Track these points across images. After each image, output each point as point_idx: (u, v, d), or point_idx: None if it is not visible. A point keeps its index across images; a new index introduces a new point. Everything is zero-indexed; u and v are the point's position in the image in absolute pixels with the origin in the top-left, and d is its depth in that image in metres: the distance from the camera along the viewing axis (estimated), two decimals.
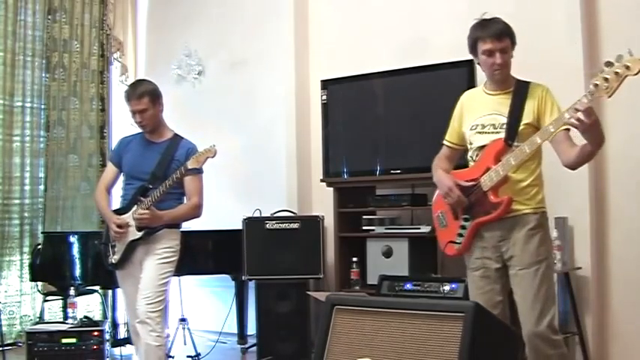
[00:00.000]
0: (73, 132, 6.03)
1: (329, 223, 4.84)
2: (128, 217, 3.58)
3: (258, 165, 5.73)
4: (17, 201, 5.66)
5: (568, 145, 2.77)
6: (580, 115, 2.49)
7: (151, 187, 3.53)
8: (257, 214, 4.95)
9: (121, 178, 3.83)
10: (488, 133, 2.91)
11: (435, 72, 4.52)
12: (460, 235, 2.97)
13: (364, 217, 4.70)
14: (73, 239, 4.82)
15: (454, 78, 4.41)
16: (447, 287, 3.60)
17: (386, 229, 4.61)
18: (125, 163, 3.72)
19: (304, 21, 5.55)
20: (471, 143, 3.00)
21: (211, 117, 5.91)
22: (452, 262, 4.24)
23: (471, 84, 4.32)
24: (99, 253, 3.83)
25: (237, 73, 5.87)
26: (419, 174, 4.45)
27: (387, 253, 4.50)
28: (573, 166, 2.82)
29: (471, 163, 3.00)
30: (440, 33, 4.83)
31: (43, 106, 5.86)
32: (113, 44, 6.33)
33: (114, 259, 3.62)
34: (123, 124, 6.54)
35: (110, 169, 3.81)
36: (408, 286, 3.73)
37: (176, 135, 3.73)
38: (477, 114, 2.97)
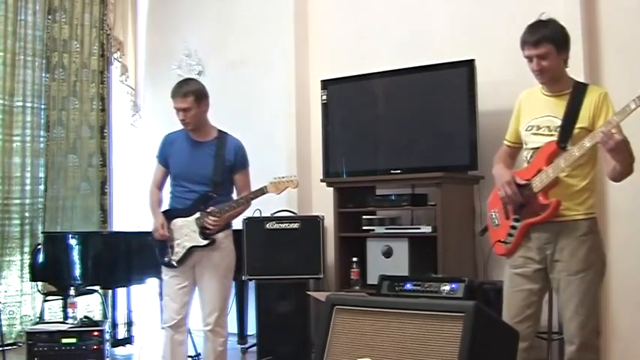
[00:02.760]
0: (73, 132, 6.03)
1: (329, 223, 4.83)
2: (190, 223, 3.63)
3: (258, 165, 5.70)
4: (17, 201, 5.66)
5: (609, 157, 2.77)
6: (602, 136, 2.58)
7: (215, 196, 3.63)
8: (257, 214, 4.95)
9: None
10: (543, 135, 2.91)
11: (435, 72, 4.52)
12: (510, 235, 2.96)
13: (364, 217, 4.69)
14: (73, 239, 4.81)
15: (454, 78, 4.42)
16: (447, 287, 3.59)
17: (386, 229, 4.61)
18: (174, 164, 3.75)
19: (304, 21, 5.56)
20: (526, 144, 3.01)
21: (211, 117, 5.88)
22: (452, 262, 4.25)
23: (471, 84, 4.33)
24: (152, 247, 3.82)
25: (237, 73, 5.87)
26: (419, 174, 4.46)
27: (387, 253, 4.50)
28: (611, 179, 2.87)
29: (525, 164, 2.99)
30: (440, 33, 4.83)
31: (43, 106, 5.86)
32: (113, 44, 6.33)
33: (173, 259, 3.66)
34: (123, 124, 6.56)
35: (159, 169, 3.83)
36: (408, 286, 3.72)
37: (220, 132, 3.79)
38: (533, 115, 2.97)
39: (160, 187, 3.83)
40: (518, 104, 3.10)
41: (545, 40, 2.83)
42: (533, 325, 2.92)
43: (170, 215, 3.71)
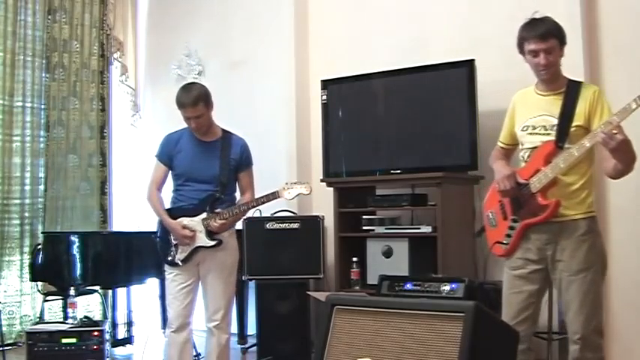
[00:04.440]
0: (73, 132, 6.03)
1: (329, 223, 4.83)
2: (197, 223, 3.64)
3: (258, 165, 5.70)
4: (17, 201, 5.66)
5: (610, 156, 2.76)
6: (604, 136, 2.57)
7: (222, 196, 3.64)
8: (257, 214, 4.94)
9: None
10: (539, 134, 2.91)
11: (435, 72, 4.52)
12: (508, 235, 2.96)
13: (364, 217, 4.69)
14: (73, 239, 4.81)
15: (454, 78, 4.42)
16: (447, 287, 3.58)
17: (386, 229, 4.61)
18: (179, 164, 3.74)
19: (304, 21, 5.56)
20: (522, 144, 3.00)
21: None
22: (452, 262, 4.24)
23: (471, 84, 4.32)
24: (156, 247, 3.83)
25: (237, 73, 5.86)
26: (419, 174, 4.46)
27: (387, 253, 4.50)
28: (610, 177, 2.87)
29: (522, 164, 2.99)
30: (440, 33, 4.83)
31: (43, 106, 5.86)
32: (113, 44, 6.33)
33: (177, 258, 3.67)
34: (123, 124, 6.57)
35: (160, 168, 3.79)
36: (408, 286, 3.71)
37: (224, 131, 3.79)
38: (528, 115, 2.96)
39: (159, 187, 3.80)
40: (512, 105, 3.10)
41: (551, 34, 2.83)
42: (530, 326, 2.93)
43: (175, 215, 3.70)
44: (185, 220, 3.66)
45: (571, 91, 2.87)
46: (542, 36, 2.82)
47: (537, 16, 2.94)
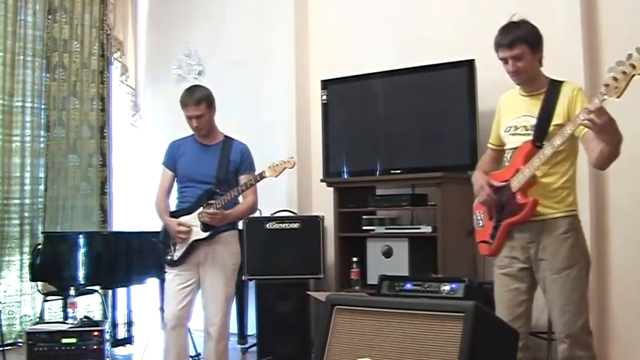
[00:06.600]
0: (73, 132, 6.03)
1: (329, 223, 4.83)
2: (192, 219, 3.66)
3: (259, 165, 5.70)
4: (17, 201, 5.66)
5: (595, 144, 2.72)
6: (592, 115, 2.50)
7: (217, 190, 3.65)
8: (257, 214, 4.94)
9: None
10: (520, 134, 2.93)
11: (435, 72, 4.52)
12: (492, 235, 2.98)
13: (364, 217, 4.70)
14: (73, 239, 4.82)
15: (454, 78, 4.42)
16: (447, 287, 3.59)
17: (386, 229, 4.61)
18: (181, 167, 3.79)
19: (304, 21, 5.56)
20: (506, 145, 3.03)
21: None
22: (452, 262, 4.25)
23: (471, 84, 4.33)
24: (157, 250, 3.86)
25: (237, 73, 5.87)
26: (419, 174, 4.47)
27: (387, 253, 4.50)
28: (597, 167, 2.85)
29: (506, 164, 3.02)
30: (440, 33, 4.83)
31: (43, 106, 5.86)
32: (113, 44, 6.34)
33: (175, 256, 3.69)
34: (123, 124, 6.57)
35: (166, 174, 3.85)
36: (408, 286, 3.72)
37: (226, 137, 3.83)
38: (512, 115, 2.99)
39: (167, 193, 3.85)
40: (498, 107, 3.13)
41: (519, 41, 2.84)
42: (525, 324, 2.93)
43: (176, 216, 3.73)
44: (183, 219, 3.68)
45: (551, 90, 2.88)
46: (508, 44, 2.85)
47: (515, 19, 2.94)
